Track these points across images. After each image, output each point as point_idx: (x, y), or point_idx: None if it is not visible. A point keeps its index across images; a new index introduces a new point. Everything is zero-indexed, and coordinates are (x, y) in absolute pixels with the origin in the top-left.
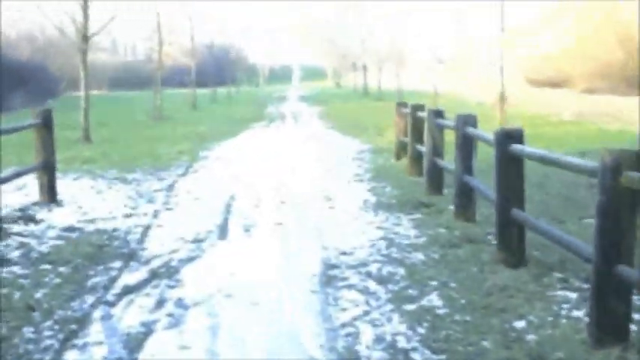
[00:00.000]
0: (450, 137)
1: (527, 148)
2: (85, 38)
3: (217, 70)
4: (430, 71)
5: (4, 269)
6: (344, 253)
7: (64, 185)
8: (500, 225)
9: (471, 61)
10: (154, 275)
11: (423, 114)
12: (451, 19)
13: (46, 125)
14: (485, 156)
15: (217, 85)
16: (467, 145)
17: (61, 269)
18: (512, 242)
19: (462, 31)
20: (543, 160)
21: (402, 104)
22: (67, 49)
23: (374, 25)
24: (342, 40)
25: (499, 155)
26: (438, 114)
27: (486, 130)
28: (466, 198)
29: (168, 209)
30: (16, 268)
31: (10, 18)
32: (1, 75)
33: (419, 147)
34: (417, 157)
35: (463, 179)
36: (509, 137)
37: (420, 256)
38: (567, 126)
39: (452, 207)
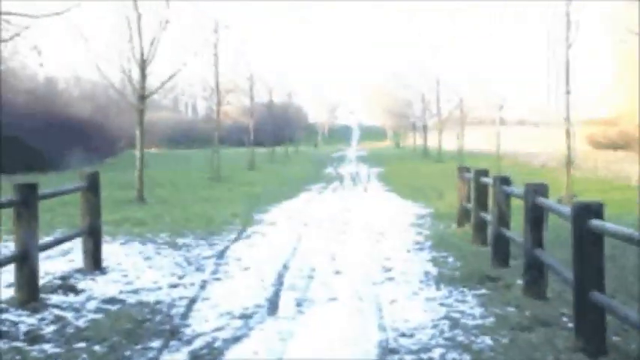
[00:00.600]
0: (516, 203)
1: (608, 224)
2: (142, 98)
3: (275, 129)
4: (492, 132)
5: (35, 347)
6: (403, 335)
7: (110, 250)
8: (577, 309)
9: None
10: (195, 358)
11: (488, 180)
12: (513, 81)
13: (91, 188)
14: (555, 226)
15: (275, 144)
16: (537, 217)
17: (96, 348)
18: (590, 328)
19: (525, 93)
20: (630, 241)
21: (464, 168)
22: (127, 107)
23: (435, 84)
24: (402, 101)
25: (577, 231)
26: (504, 181)
27: (554, 196)
28: (537, 273)
29: (216, 279)
30: (47, 347)
31: (72, 76)
32: (62, 133)
33: (483, 214)
34: (481, 225)
35: (533, 253)
36: (587, 211)
37: (487, 340)
38: (635, 191)
39: (520, 282)
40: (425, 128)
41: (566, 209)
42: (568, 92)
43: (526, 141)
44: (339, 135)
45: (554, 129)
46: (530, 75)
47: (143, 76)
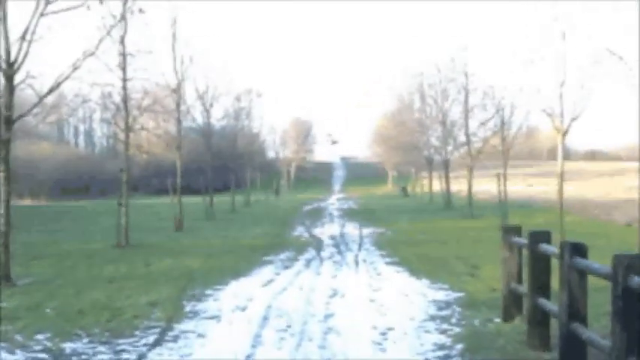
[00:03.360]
0: (597, 284)
1: None
2: (8, 122)
3: (216, 169)
4: (550, 170)
5: None
6: None
7: None
8: None
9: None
10: None
11: (551, 249)
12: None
13: None
14: None
15: (216, 191)
16: (634, 306)
17: None
18: None
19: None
20: None
21: (512, 229)
22: None
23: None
24: (412, 122)
25: None
26: (579, 250)
27: None
28: None
29: None
30: None
31: None
32: None
33: (544, 302)
34: (542, 319)
35: None
36: None
37: None
38: None
39: None
40: (447, 165)
41: None
42: None
43: (600, 183)
44: (316, 176)
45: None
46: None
47: (9, 88)
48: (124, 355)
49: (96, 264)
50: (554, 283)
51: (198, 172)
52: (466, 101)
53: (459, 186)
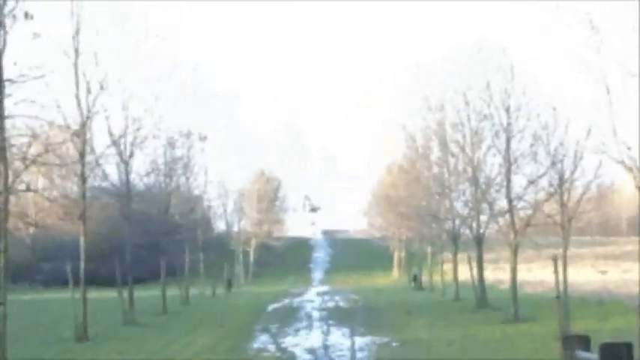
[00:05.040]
0: None
1: None
2: None
3: (141, 250)
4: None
5: None
6: None
7: None
8: None
9: None
10: None
11: None
12: None
13: None
14: None
15: (142, 280)
16: None
17: None
18: None
19: None
20: None
21: (575, 340)
22: None
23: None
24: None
25: None
26: None
27: None
28: None
29: None
30: None
31: None
32: None
33: None
34: None
35: None
36: None
37: None
38: None
39: None
40: (480, 242)
41: None
42: None
43: None
44: (287, 259)
45: None
46: None
47: None
48: None
49: None
50: None
51: (113, 253)
52: (508, 149)
53: (497, 274)
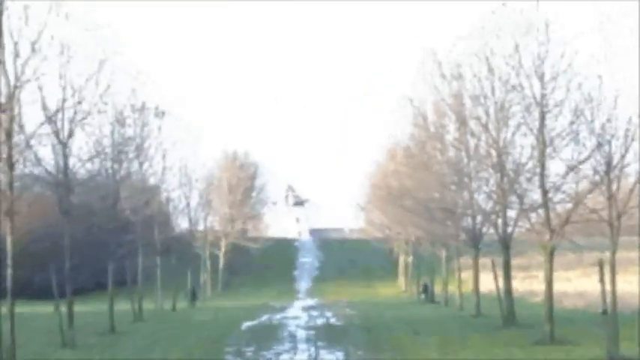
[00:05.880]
0: None
1: None
2: None
3: (83, 253)
4: None
5: None
6: None
7: None
8: None
9: None
10: None
11: None
12: None
13: None
14: None
15: (84, 291)
16: None
17: None
18: None
19: None
20: None
21: None
22: None
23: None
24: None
25: None
26: None
27: None
28: None
29: None
30: None
31: None
32: None
33: None
34: None
35: None
36: None
37: None
38: None
39: None
40: (506, 244)
41: None
42: None
43: None
44: (266, 264)
45: None
46: None
47: None
48: None
49: None
50: None
51: (48, 257)
52: (541, 127)
53: (528, 283)
